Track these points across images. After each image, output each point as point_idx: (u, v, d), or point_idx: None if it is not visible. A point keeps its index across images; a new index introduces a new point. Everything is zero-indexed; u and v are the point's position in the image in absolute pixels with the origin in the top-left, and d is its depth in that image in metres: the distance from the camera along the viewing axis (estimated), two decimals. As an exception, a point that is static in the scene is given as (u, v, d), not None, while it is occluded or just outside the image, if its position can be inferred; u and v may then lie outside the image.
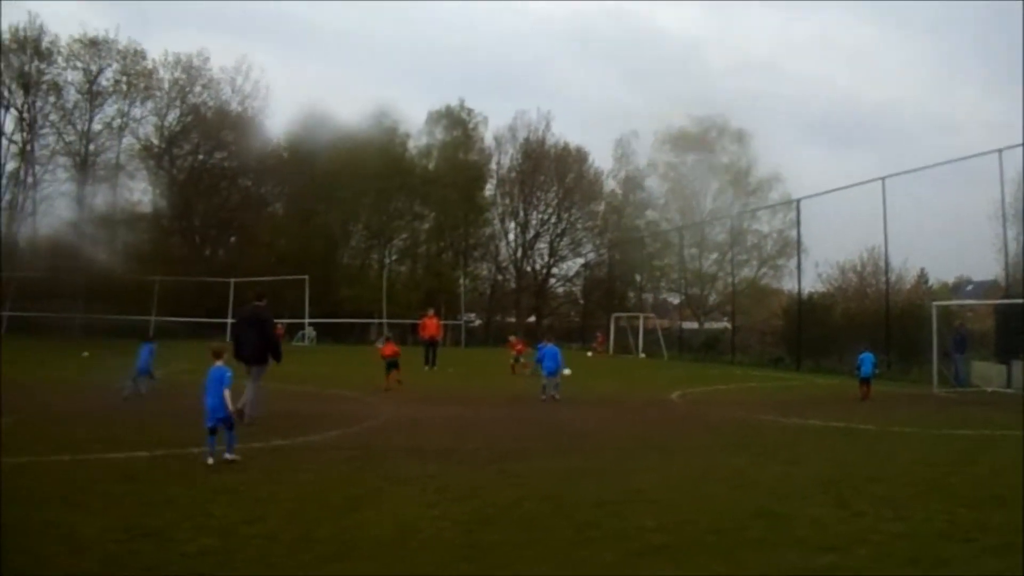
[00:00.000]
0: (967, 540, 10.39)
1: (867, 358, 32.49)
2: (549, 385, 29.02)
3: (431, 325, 42.47)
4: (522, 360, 41.01)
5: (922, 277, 62.94)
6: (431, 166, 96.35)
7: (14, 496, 11.42)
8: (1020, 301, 39.09)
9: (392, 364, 31.37)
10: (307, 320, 76.17)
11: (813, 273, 65.48)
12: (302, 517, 11.00)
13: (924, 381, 37.31)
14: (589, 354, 46.13)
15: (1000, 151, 40.96)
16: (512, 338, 45.30)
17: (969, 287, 63.25)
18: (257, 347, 21.76)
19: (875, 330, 49.91)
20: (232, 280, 75.08)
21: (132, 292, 74.69)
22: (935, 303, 39.49)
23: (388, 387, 30.39)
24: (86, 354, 42.94)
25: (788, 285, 73.64)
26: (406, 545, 9.85)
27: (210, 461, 14.59)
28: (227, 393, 15.33)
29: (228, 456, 14.94)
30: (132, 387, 25.51)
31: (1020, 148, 40.73)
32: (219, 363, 15.89)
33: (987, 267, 50.30)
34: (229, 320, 70.87)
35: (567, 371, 30.54)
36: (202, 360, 25.29)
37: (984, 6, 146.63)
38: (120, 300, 72.05)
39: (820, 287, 65.33)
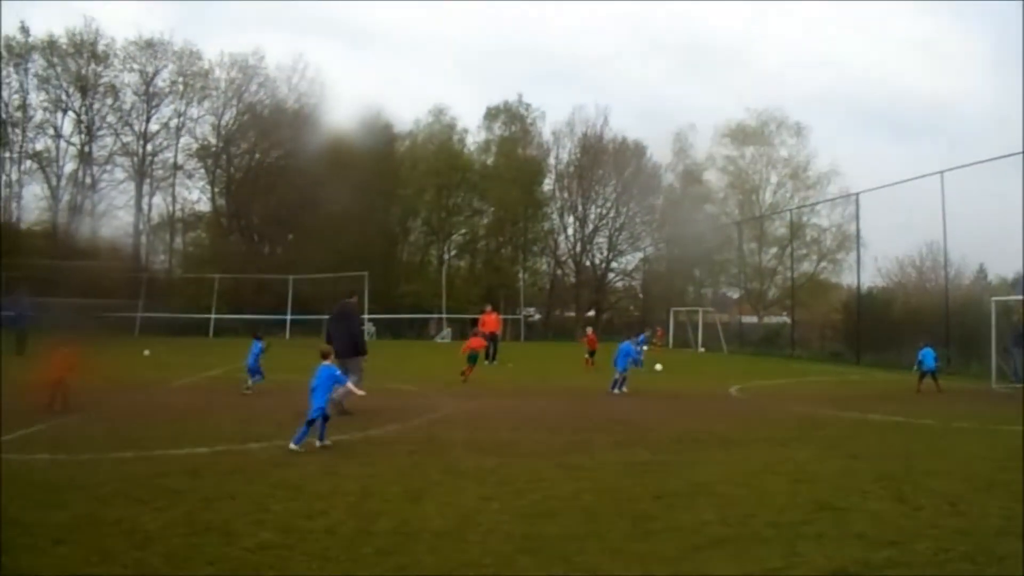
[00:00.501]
0: (1024, 536, 10.27)
1: (928, 353, 32.41)
2: (618, 380, 29.00)
3: (491, 320, 42.40)
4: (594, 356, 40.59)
5: (981, 272, 62.45)
6: (489, 161, 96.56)
7: (79, 493, 11.58)
8: (1080, 296, 38.84)
9: (474, 358, 32.00)
10: (367, 316, 76.14)
11: (872, 267, 65.71)
12: (361, 511, 11.05)
13: (983, 377, 36.88)
14: (645, 347, 45.95)
15: (1058, 143, 40.55)
16: (589, 330, 45.16)
17: (1029, 282, 62.86)
18: (344, 341, 22.63)
19: (934, 325, 49.43)
20: (291, 277, 76.25)
21: (192, 290, 75.94)
22: (994, 298, 39.04)
23: (466, 378, 31.35)
24: (147, 352, 43.12)
25: (847, 279, 74.00)
26: (465, 538, 9.88)
27: (298, 448, 15.65)
28: (340, 389, 17.97)
29: (320, 443, 16.17)
30: (251, 383, 26.42)
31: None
32: (326, 363, 17.23)
33: (1048, 262, 49.93)
34: (288, 317, 71.70)
35: (658, 367, 30.12)
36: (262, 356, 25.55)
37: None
38: (180, 298, 72.76)
39: (879, 281, 65.45)
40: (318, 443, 16.12)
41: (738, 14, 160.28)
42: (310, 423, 16.14)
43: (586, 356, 40.87)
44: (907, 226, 61.01)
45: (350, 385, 17.68)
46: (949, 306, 49.93)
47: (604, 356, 35.76)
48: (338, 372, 17.38)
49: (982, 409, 26.35)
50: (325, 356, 17.80)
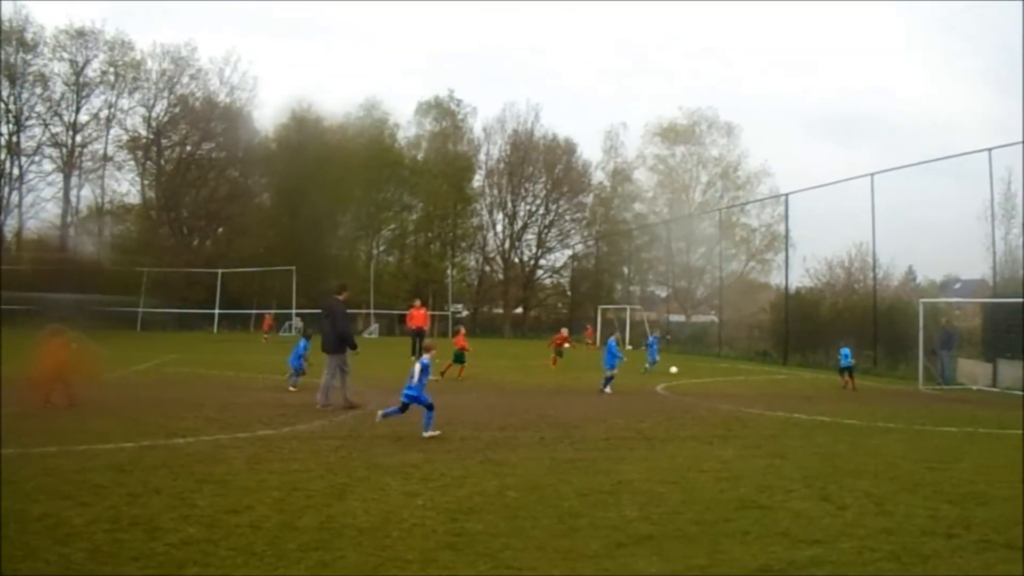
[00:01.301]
0: (949, 536, 10.48)
1: (845, 352, 34.07)
2: (609, 379, 29.21)
3: (418, 316, 42.22)
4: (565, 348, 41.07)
5: (910, 274, 63.15)
6: (420, 156, 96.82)
7: (3, 489, 11.40)
8: (1008, 300, 39.24)
9: (460, 356, 32.12)
10: (295, 310, 76.04)
11: (801, 268, 66.19)
12: (287, 506, 11.06)
13: (910, 378, 37.36)
14: (567, 346, 45.89)
15: (990, 150, 41.06)
16: (564, 330, 45.04)
17: (957, 285, 63.44)
18: (331, 337, 23.52)
19: (862, 326, 50.15)
20: (220, 271, 75.67)
21: (120, 282, 74.47)
22: (922, 300, 39.51)
23: (459, 376, 31.82)
24: (74, 346, 42.66)
25: (776, 280, 74.89)
26: (389, 533, 9.91)
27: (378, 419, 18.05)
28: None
29: (426, 434, 17.47)
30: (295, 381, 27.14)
31: (1012, 147, 40.82)
32: (426, 356, 18.65)
33: (975, 265, 50.41)
34: (216, 311, 71.34)
35: (674, 369, 29.88)
36: (191, 350, 25.33)
37: (979, 5, 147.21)
38: (109, 290, 72.00)
39: (808, 282, 65.87)
40: (425, 433, 17.52)
41: (672, 14, 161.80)
42: (402, 410, 17.92)
43: (553, 355, 40.87)
44: (836, 227, 61.59)
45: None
46: (877, 308, 50.60)
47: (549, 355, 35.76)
48: (429, 366, 18.53)
49: (908, 410, 26.79)
50: (427, 350, 19.14)
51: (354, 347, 24.09)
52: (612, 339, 30.79)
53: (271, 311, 74.82)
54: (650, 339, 38.01)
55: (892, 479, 14.21)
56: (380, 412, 17.88)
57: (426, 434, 17.32)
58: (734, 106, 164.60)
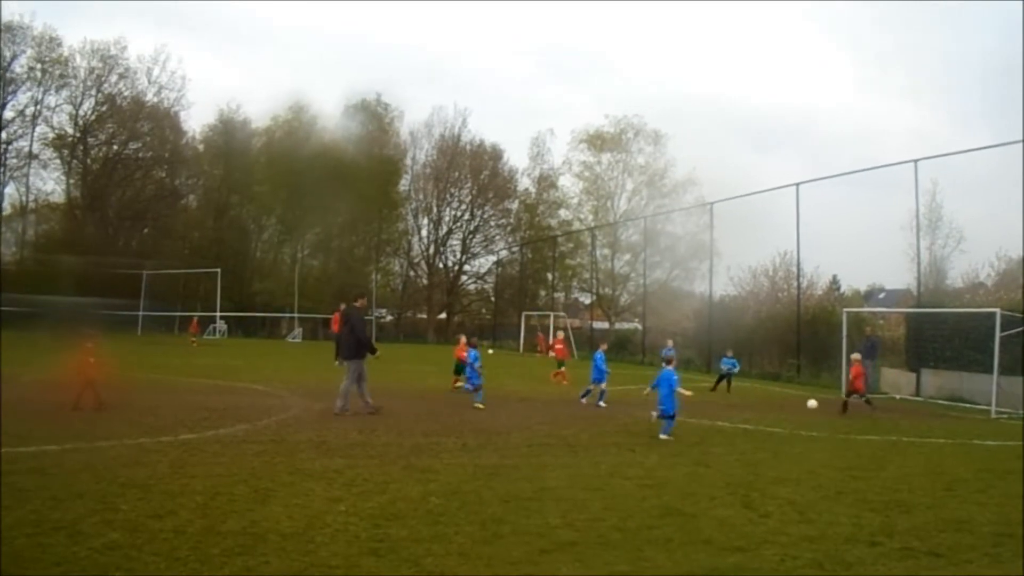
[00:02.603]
0: (872, 544, 10.64)
1: (727, 360, 36.25)
2: (595, 392, 28.82)
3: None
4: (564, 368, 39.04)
5: (834, 283, 63.85)
6: (346, 160, 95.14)
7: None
8: (931, 310, 39.69)
9: (462, 367, 31.25)
10: (219, 313, 76.13)
11: (725, 276, 66.37)
12: (210, 511, 11.03)
13: (834, 387, 37.81)
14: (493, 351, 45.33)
15: (916, 161, 41.54)
16: (560, 334, 44.13)
17: (881, 295, 64.36)
18: (349, 344, 23.82)
19: (786, 334, 51.00)
20: (144, 272, 75.57)
21: (44, 281, 73.68)
22: (846, 310, 39.92)
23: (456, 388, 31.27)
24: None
25: (700, 288, 74.98)
26: (313, 539, 9.92)
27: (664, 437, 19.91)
28: (680, 391, 20.71)
29: (663, 436, 19.84)
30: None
31: (935, 159, 41.27)
32: (669, 368, 21.09)
33: (900, 276, 51.07)
34: (140, 313, 71.12)
35: (688, 392, 30.02)
36: (114, 351, 25.25)
37: (903, 12, 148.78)
38: (31, 291, 71.34)
39: (732, 290, 66.48)
40: (662, 436, 19.90)
41: (599, 20, 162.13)
42: (671, 417, 20.21)
43: (558, 369, 38.99)
44: (762, 237, 61.97)
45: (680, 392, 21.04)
46: (801, 316, 50.99)
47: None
48: (676, 377, 20.80)
49: (831, 419, 27.19)
50: (668, 363, 21.57)
51: (374, 352, 24.41)
52: (601, 351, 30.01)
53: (195, 314, 74.67)
54: (667, 350, 37.91)
55: (815, 487, 14.42)
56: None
57: (663, 436, 20.04)
58: (662, 114, 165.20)
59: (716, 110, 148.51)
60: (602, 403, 28.16)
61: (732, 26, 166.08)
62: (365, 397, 23.25)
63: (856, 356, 31.09)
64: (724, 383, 36.24)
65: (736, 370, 37.20)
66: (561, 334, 39.96)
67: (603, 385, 28.59)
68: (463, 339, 33.00)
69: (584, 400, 28.69)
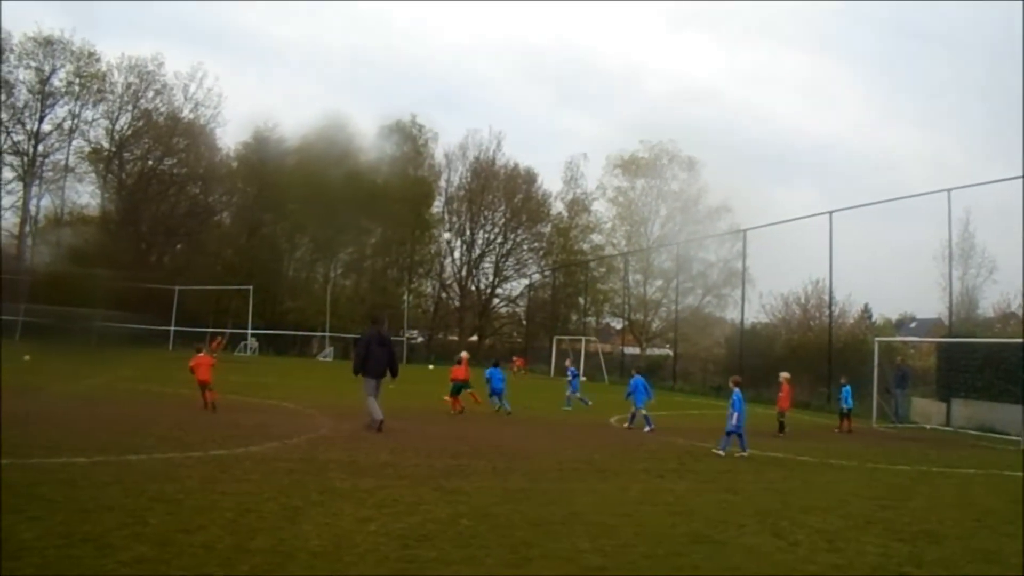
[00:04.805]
0: (900, 574, 10.54)
1: (848, 391, 33.73)
2: (638, 415, 29.05)
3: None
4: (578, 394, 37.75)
5: (866, 312, 63.65)
6: (380, 181, 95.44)
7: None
8: (962, 340, 39.45)
9: (461, 387, 31.72)
10: (250, 331, 76.16)
11: (757, 304, 66.62)
12: (239, 527, 10.95)
13: (864, 416, 37.27)
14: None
15: (949, 191, 41.27)
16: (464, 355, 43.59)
17: (912, 324, 63.98)
18: (387, 364, 24.47)
19: (817, 363, 50.44)
20: (176, 288, 75.45)
21: (77, 295, 73.99)
22: (877, 339, 39.78)
23: (458, 409, 31.31)
24: (27, 357, 42.55)
25: (732, 315, 75.72)
26: (341, 559, 9.82)
27: (721, 453, 21.66)
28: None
29: (741, 454, 21.57)
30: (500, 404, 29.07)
31: (968, 188, 41.05)
32: (738, 389, 22.39)
33: (931, 305, 50.91)
34: (172, 328, 71.10)
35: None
36: (143, 367, 25.34)
37: (926, 43, 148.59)
38: (65, 302, 71.63)
39: (764, 318, 66.63)
40: (738, 453, 21.51)
41: (633, 48, 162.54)
42: (739, 435, 21.88)
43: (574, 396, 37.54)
44: (794, 264, 61.81)
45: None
46: (832, 345, 50.59)
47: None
48: (740, 396, 22.34)
49: (861, 448, 27.00)
50: (737, 384, 22.78)
51: (396, 374, 24.98)
52: (640, 376, 30.15)
53: (226, 331, 75.10)
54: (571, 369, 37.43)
55: (844, 516, 14.23)
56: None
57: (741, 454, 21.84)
58: (696, 141, 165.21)
59: (746, 138, 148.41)
60: (648, 428, 28.34)
61: (757, 53, 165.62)
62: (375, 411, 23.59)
63: (785, 375, 31.70)
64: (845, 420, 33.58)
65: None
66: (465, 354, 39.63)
67: (642, 409, 28.80)
68: (465, 357, 33.39)
69: (649, 428, 28.51)
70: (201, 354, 26.93)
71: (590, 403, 35.54)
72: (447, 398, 32.15)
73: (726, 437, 22.25)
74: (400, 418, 26.54)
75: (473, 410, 32.05)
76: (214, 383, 26.40)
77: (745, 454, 21.71)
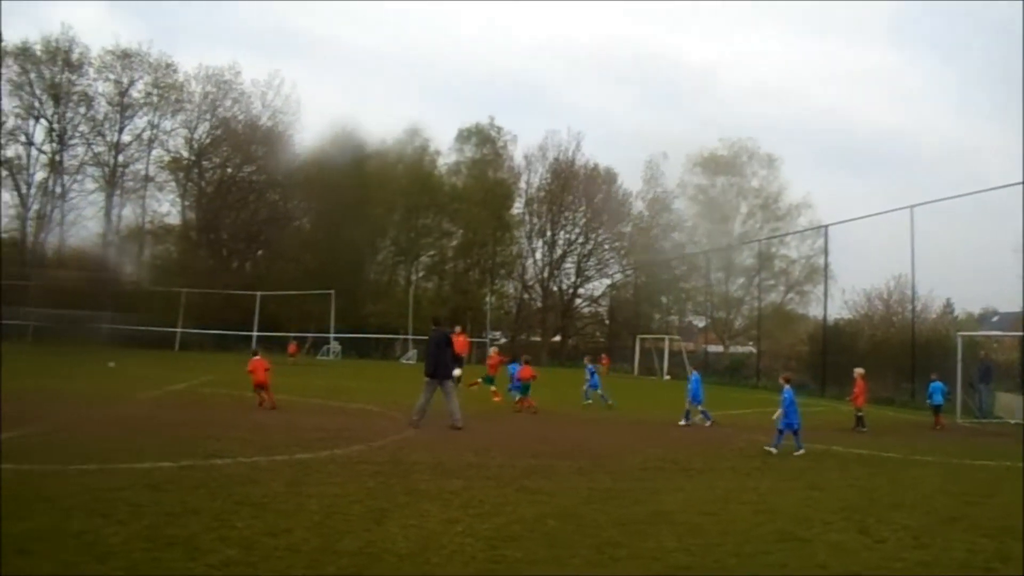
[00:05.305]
0: (987, 570, 10.40)
1: (937, 387, 32.99)
2: (693, 411, 29.15)
3: (459, 342, 41.83)
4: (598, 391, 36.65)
5: (948, 307, 62.98)
6: (460, 183, 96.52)
7: (43, 505, 11.47)
8: (1046, 334, 38.97)
9: (525, 388, 31.66)
10: (332, 335, 76.58)
11: (840, 300, 65.95)
12: (325, 530, 10.98)
13: (948, 411, 36.46)
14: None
15: (1024, 183, 40.70)
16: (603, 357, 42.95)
17: (995, 318, 63.25)
18: (445, 363, 25.14)
19: (900, 358, 49.99)
20: (258, 293, 75.85)
21: (159, 303, 75.11)
22: (960, 333, 39.30)
23: (523, 408, 31.29)
24: (112, 364, 43.12)
25: (814, 311, 74.23)
26: (429, 560, 9.83)
27: (774, 451, 21.40)
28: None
29: (797, 453, 21.31)
30: (699, 418, 28.99)
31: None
32: (788, 387, 22.27)
33: (1014, 299, 50.07)
34: (255, 333, 71.57)
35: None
36: (227, 371, 25.63)
37: (1007, 34, 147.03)
38: (146, 311, 72.52)
39: (846, 314, 65.92)
40: (796, 452, 21.31)
41: (711, 46, 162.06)
42: (794, 432, 21.67)
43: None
44: (875, 259, 61.46)
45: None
46: (915, 340, 50.06)
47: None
48: (792, 394, 22.29)
49: (946, 443, 26.56)
50: (788, 381, 22.67)
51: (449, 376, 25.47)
52: (697, 373, 30.42)
53: (308, 335, 75.93)
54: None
55: (929, 512, 14.07)
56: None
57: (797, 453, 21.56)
58: (775, 138, 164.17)
59: (826, 132, 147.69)
60: (707, 422, 28.65)
61: (831, 47, 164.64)
62: (418, 414, 24.14)
63: (859, 371, 31.35)
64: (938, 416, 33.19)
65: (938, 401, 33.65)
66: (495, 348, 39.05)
67: (698, 406, 29.00)
68: (495, 351, 35.21)
69: (701, 421, 28.80)
70: (257, 357, 28.10)
71: (611, 402, 35.06)
72: (518, 401, 32.00)
73: (789, 433, 22.07)
74: (483, 419, 27.10)
75: (555, 410, 32.20)
76: (271, 384, 27.62)
77: (800, 451, 21.51)
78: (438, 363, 24.58)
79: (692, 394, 29.26)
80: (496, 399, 33.77)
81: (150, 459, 15.62)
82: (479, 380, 35.10)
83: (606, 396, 34.87)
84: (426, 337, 26.48)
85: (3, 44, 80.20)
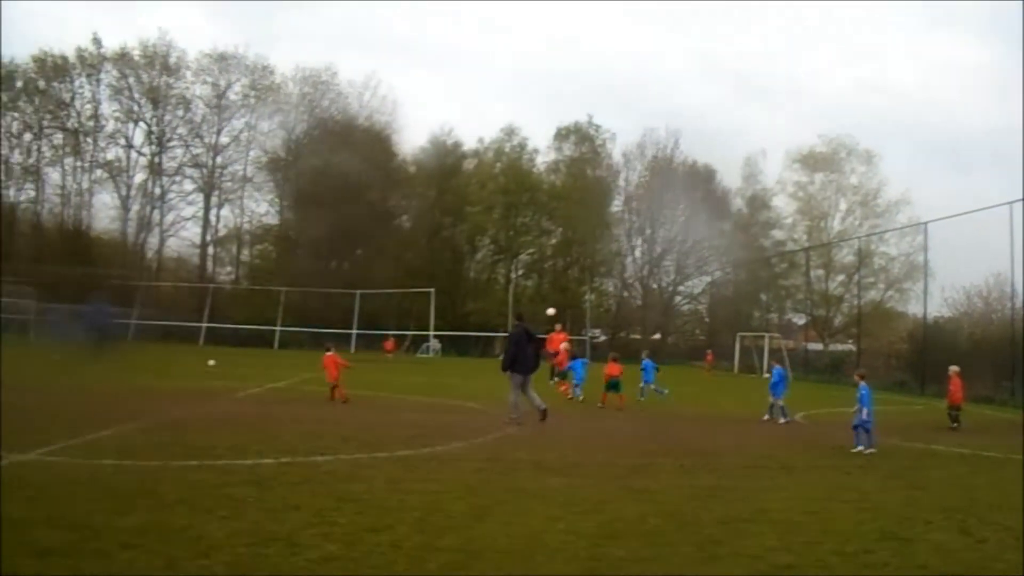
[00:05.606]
0: (1089, 572, 10.08)
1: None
2: (775, 407, 28.88)
3: (558, 339, 41.82)
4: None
5: (1050, 304, 62.19)
6: (558, 182, 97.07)
7: (146, 500, 11.68)
8: None
9: (614, 384, 31.51)
10: (432, 332, 77.34)
11: (939, 297, 65.44)
12: (427, 526, 11.01)
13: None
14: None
15: None
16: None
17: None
18: (528, 360, 24.73)
19: (1000, 356, 49.29)
20: (358, 292, 76.82)
21: (258, 302, 77.29)
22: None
23: (620, 406, 31.00)
24: (212, 362, 43.79)
25: (914, 308, 74.05)
26: (531, 558, 9.83)
27: (861, 450, 20.72)
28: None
29: (867, 451, 20.64)
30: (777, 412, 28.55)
31: None
32: (863, 383, 21.96)
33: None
34: (354, 331, 72.97)
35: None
36: (322, 369, 25.99)
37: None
38: (246, 310, 73.61)
39: (946, 311, 65.41)
40: (865, 450, 20.69)
41: (805, 43, 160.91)
42: (866, 431, 21.13)
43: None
44: (975, 257, 60.71)
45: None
46: (1016, 338, 49.19)
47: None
48: (867, 390, 21.77)
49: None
50: (862, 377, 22.36)
51: (536, 369, 25.52)
52: (780, 367, 30.21)
53: (408, 333, 77.62)
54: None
55: (1032, 512, 13.75)
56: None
57: (860, 449, 20.83)
58: (874, 133, 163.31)
59: (924, 128, 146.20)
60: (780, 418, 28.39)
61: (929, 44, 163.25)
62: (514, 411, 24.13)
63: (954, 369, 30.76)
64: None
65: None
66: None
67: (779, 400, 28.71)
68: (561, 336, 36.01)
69: (781, 418, 28.46)
70: (330, 353, 28.81)
71: (666, 391, 35.34)
72: (603, 397, 31.79)
73: (863, 433, 21.53)
74: (584, 416, 27.28)
75: (658, 408, 32.20)
76: (342, 380, 28.44)
77: (872, 450, 21.00)
78: (516, 359, 24.42)
79: (773, 387, 29.09)
80: (562, 389, 34.06)
81: (252, 456, 15.89)
82: (556, 379, 35.09)
83: (660, 388, 35.05)
84: (538, 337, 26.30)
85: (101, 50, 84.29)
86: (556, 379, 36.43)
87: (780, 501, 13.94)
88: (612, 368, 31.89)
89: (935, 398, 44.30)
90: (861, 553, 10.63)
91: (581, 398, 32.94)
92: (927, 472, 18.47)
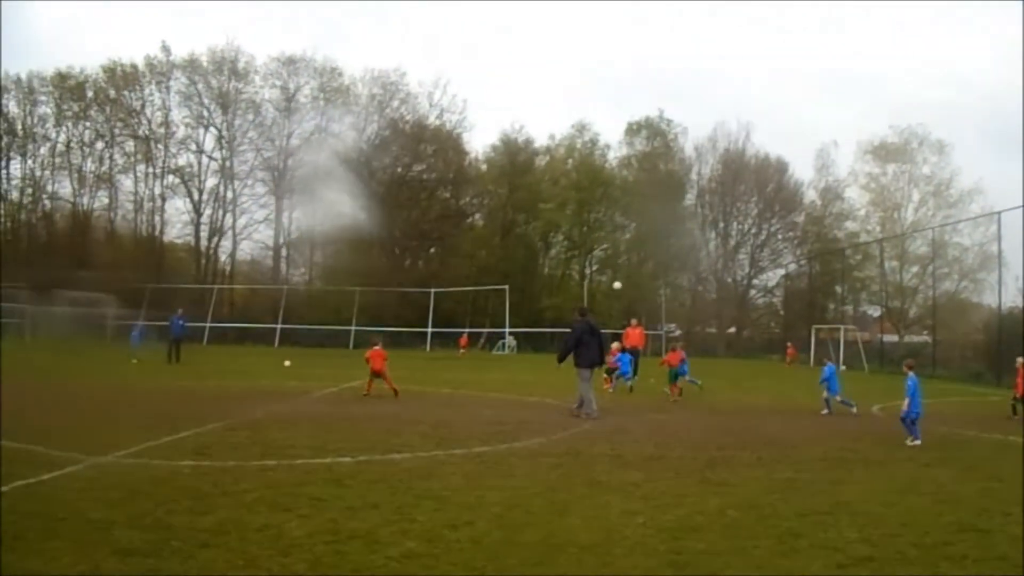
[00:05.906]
0: None
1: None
2: (831, 400, 28.97)
3: (635, 334, 41.49)
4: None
5: (1124, 293, 61.67)
6: (631, 177, 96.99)
7: (224, 499, 11.91)
8: None
9: (677, 374, 32.05)
10: (507, 329, 77.83)
11: (1014, 287, 64.56)
12: (506, 522, 11.10)
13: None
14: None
15: None
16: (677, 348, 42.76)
17: None
18: (589, 355, 24.99)
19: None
20: (432, 290, 77.14)
21: (332, 303, 78.09)
22: None
23: (675, 398, 31.37)
24: (288, 363, 44.25)
25: (988, 299, 73.08)
26: (611, 551, 9.85)
27: (917, 443, 20.45)
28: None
29: (912, 443, 20.51)
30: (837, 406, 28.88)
31: None
32: (912, 374, 21.70)
33: None
34: (429, 329, 74.00)
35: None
36: (402, 367, 26.21)
37: None
38: (320, 311, 74.07)
39: (1020, 302, 64.39)
40: (909, 442, 20.52)
41: (876, 35, 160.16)
42: (913, 422, 20.97)
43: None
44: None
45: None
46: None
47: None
48: (916, 381, 21.45)
49: None
50: (911, 368, 22.05)
51: (603, 363, 26.91)
52: (831, 364, 30.26)
53: (484, 330, 79.32)
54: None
55: (1110, 505, 13.58)
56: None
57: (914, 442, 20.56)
58: (946, 123, 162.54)
59: (996, 117, 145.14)
60: (825, 411, 28.56)
61: (998, 32, 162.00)
62: (578, 405, 24.56)
63: (1022, 360, 30.36)
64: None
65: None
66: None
67: (835, 396, 28.87)
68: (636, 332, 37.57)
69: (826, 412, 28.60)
70: (376, 347, 29.52)
71: (700, 382, 35.26)
72: (667, 388, 32.20)
73: (911, 424, 21.42)
74: (659, 410, 27.28)
75: (735, 402, 32.45)
76: (389, 373, 29.23)
77: (917, 442, 20.84)
78: (578, 354, 24.70)
79: (825, 382, 29.10)
80: (606, 386, 34.11)
81: (330, 454, 16.05)
82: (610, 377, 35.23)
83: (695, 379, 35.01)
84: (601, 331, 26.31)
85: (170, 57, 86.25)
86: (608, 375, 36.03)
87: (858, 493, 13.91)
88: (672, 357, 32.46)
89: (1011, 390, 44.16)
90: (940, 545, 10.58)
91: (631, 388, 33.91)
92: (1005, 464, 18.18)
